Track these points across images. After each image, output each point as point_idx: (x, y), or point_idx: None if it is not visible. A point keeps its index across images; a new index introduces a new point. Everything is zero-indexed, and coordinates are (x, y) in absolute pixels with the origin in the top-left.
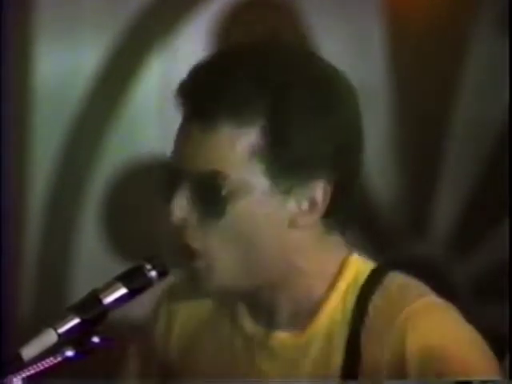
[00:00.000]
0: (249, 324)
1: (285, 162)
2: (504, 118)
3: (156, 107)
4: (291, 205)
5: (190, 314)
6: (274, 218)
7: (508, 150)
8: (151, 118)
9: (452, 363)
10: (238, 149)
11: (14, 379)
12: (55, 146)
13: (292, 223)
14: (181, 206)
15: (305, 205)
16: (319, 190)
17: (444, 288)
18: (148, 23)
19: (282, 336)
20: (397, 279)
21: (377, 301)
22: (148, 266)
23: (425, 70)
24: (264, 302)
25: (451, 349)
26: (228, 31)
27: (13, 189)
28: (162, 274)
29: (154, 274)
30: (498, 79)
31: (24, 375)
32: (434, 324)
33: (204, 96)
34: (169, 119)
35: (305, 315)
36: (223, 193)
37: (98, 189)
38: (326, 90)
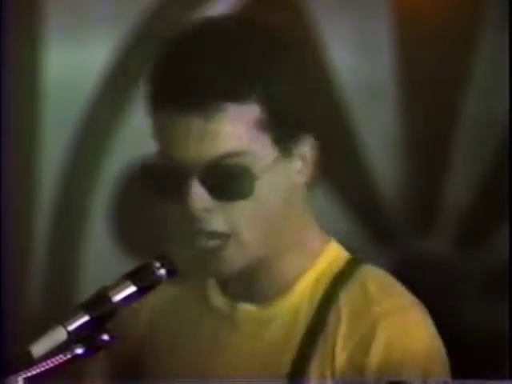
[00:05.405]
0: (216, 296)
1: (286, 126)
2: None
3: None
4: (290, 166)
5: (156, 299)
6: (285, 185)
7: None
8: None
9: (410, 370)
10: (245, 125)
11: (20, 377)
12: (64, 144)
13: (295, 185)
14: (200, 198)
15: (298, 164)
16: (307, 145)
17: (449, 285)
18: (157, 22)
19: (246, 308)
20: (372, 273)
21: (350, 292)
22: (157, 264)
23: (432, 67)
24: (241, 274)
25: (412, 356)
26: None
27: (22, 187)
28: (170, 273)
29: (162, 272)
30: (505, 75)
31: (29, 374)
32: (401, 329)
33: (197, 86)
34: None
35: (274, 291)
36: (247, 171)
37: (108, 186)
38: (295, 54)
